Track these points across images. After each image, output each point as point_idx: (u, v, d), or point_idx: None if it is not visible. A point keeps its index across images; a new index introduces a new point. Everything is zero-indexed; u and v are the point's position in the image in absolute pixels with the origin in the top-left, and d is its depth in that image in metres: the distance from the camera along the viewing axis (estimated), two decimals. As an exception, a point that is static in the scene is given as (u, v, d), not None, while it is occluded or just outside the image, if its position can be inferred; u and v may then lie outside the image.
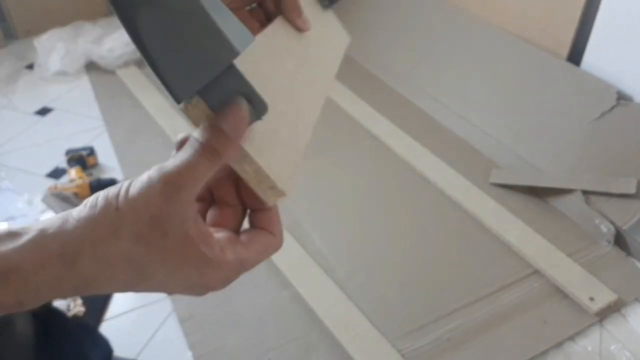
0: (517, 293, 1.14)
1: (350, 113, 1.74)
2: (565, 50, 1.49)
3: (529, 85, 1.53)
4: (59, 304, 1.11)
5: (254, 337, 1.06)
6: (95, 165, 1.54)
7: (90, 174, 1.48)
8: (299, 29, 0.50)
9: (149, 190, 0.32)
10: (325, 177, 1.48)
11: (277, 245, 0.39)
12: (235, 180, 0.40)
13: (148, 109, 1.75)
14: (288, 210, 1.35)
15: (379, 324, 1.07)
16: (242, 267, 0.37)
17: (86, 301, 1.13)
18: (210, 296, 1.11)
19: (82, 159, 1.50)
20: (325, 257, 1.23)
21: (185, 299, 1.12)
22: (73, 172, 1.45)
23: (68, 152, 1.52)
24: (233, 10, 0.36)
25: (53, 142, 1.64)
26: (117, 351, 1.04)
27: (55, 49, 1.97)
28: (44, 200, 1.27)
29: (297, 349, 1.03)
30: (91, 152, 1.52)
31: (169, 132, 1.62)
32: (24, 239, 0.31)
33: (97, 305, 1.13)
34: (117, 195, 0.32)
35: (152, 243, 0.32)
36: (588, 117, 1.36)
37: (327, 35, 0.58)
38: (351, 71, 1.98)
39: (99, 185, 1.41)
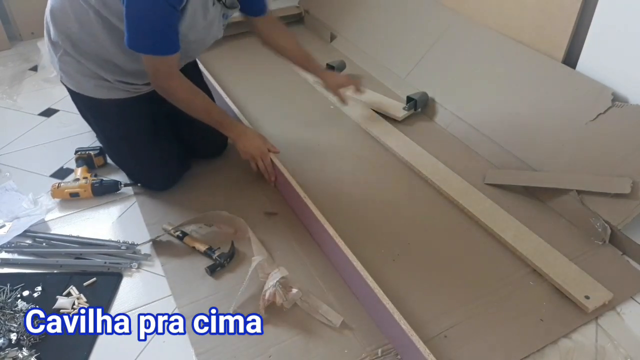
0: (513, 291, 1.15)
1: (349, 114, 1.76)
2: (561, 53, 1.50)
3: (526, 87, 1.54)
4: (64, 302, 1.13)
5: (255, 334, 1.07)
6: (104, 165, 1.54)
7: (96, 175, 1.48)
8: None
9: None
10: (324, 177, 1.50)
11: None
12: None
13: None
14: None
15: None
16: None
17: (90, 299, 1.15)
18: (213, 294, 1.11)
19: (90, 158, 1.51)
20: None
21: (188, 298, 1.14)
22: (79, 172, 1.46)
23: (77, 151, 1.52)
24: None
25: (57, 143, 1.65)
26: (121, 348, 1.05)
27: (59, 51, 1.98)
28: None
29: (298, 345, 1.05)
30: (100, 152, 1.52)
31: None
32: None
33: (101, 303, 1.14)
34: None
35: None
36: (584, 118, 1.37)
37: None
38: (350, 73, 2.00)
39: (101, 186, 1.42)
